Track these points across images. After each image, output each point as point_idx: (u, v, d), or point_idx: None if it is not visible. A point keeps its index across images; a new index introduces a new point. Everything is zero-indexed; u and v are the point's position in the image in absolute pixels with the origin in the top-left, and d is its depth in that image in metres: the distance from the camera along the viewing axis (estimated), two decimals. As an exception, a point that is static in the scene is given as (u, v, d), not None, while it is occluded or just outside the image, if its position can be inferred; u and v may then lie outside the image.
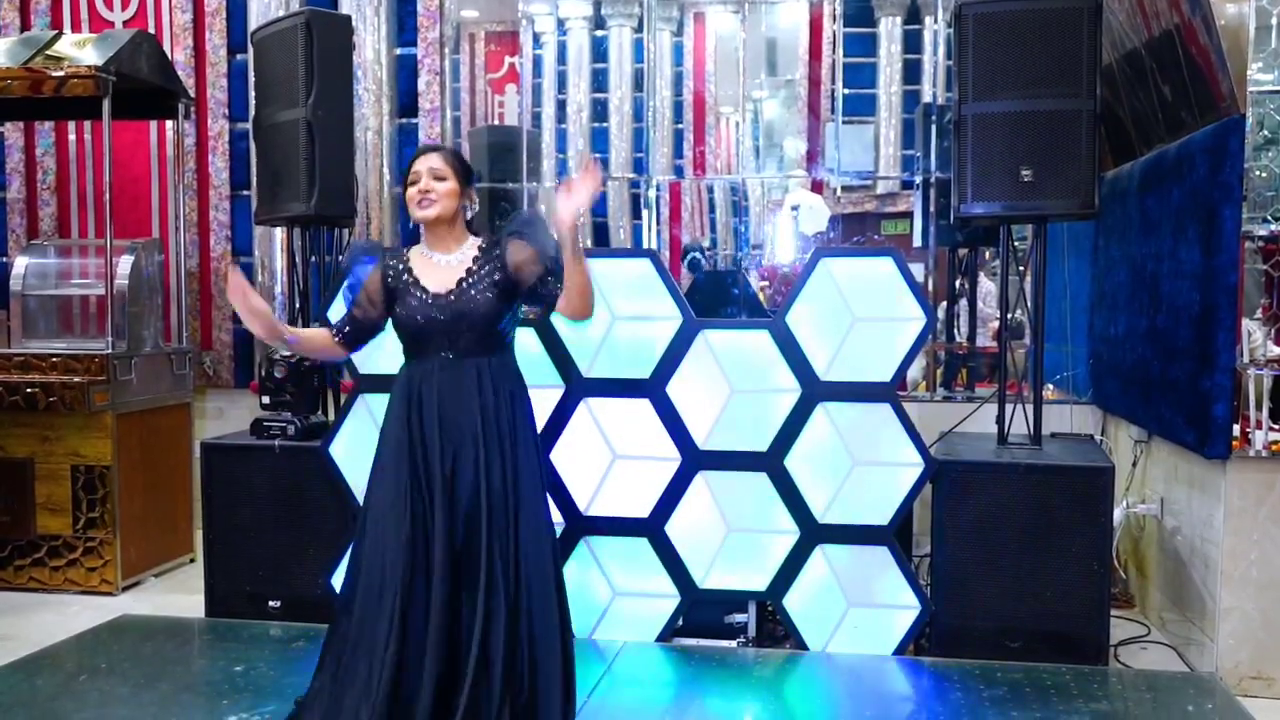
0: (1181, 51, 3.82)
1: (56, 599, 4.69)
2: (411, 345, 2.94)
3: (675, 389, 3.84)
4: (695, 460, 3.84)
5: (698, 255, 5.34)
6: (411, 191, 2.93)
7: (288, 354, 4.30)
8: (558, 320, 3.42)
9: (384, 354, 4.00)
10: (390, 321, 2.96)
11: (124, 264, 4.98)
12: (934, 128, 5.43)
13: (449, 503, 2.83)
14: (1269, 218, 3.68)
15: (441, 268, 2.92)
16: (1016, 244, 4.25)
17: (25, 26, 5.96)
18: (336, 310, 4.02)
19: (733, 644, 3.93)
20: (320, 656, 3.00)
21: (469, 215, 3.01)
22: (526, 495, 2.89)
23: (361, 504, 3.01)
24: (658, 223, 5.96)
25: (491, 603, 2.79)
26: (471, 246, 2.95)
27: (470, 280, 2.88)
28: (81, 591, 4.74)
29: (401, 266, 2.94)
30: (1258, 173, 3.70)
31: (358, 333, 3.01)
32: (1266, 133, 3.74)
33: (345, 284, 3.01)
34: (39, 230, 6.01)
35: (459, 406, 2.85)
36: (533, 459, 2.94)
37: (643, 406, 3.84)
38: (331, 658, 2.93)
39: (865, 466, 3.75)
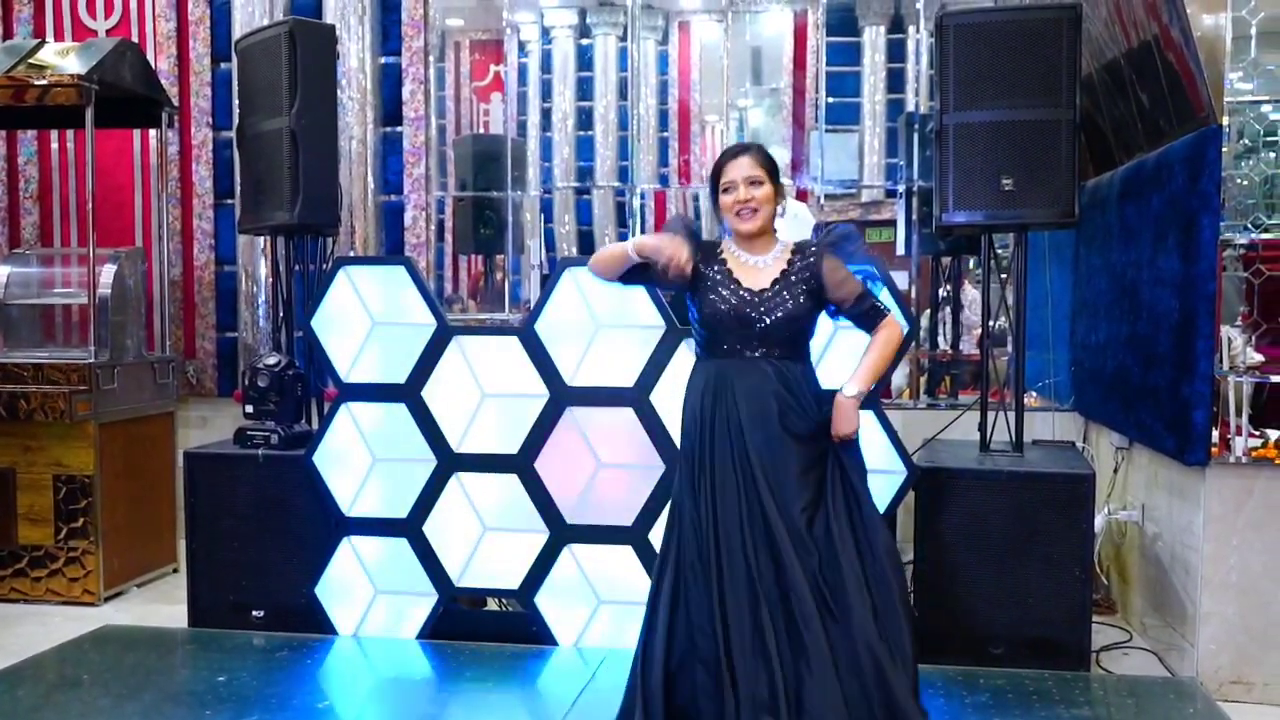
0: (1160, 61, 3.86)
1: (38, 610, 4.66)
2: (714, 340, 2.88)
3: (659, 397, 3.84)
4: (679, 468, 3.84)
5: None
6: (727, 200, 2.87)
7: (271, 363, 4.30)
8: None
9: (366, 365, 4.02)
10: (695, 314, 2.92)
11: (107, 273, 4.96)
12: (917, 136, 5.46)
13: (754, 490, 2.79)
14: (1249, 225, 3.71)
15: (755, 268, 2.87)
16: (999, 252, 4.28)
17: (8, 35, 5.95)
18: (324, 315, 4.05)
19: (717, 652, 3.93)
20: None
21: (780, 214, 2.95)
22: (860, 492, 2.86)
23: None
24: (642, 231, 5.97)
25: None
26: (784, 250, 2.91)
27: (785, 281, 2.84)
28: (63, 602, 4.71)
29: (715, 258, 2.90)
30: (1238, 180, 3.73)
31: (637, 270, 2.94)
32: (1246, 141, 3.77)
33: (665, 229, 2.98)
34: (21, 239, 5.99)
35: (764, 404, 2.81)
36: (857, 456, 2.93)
37: (627, 415, 3.85)
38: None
39: (848, 474, 3.75)
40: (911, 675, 2.75)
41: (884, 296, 2.95)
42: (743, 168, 2.87)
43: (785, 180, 6.28)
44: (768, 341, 2.83)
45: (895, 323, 2.92)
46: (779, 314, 2.82)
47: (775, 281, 2.85)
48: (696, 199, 6.71)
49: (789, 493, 2.78)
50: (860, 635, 2.69)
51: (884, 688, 2.67)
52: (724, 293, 2.85)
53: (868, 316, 2.90)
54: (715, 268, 2.89)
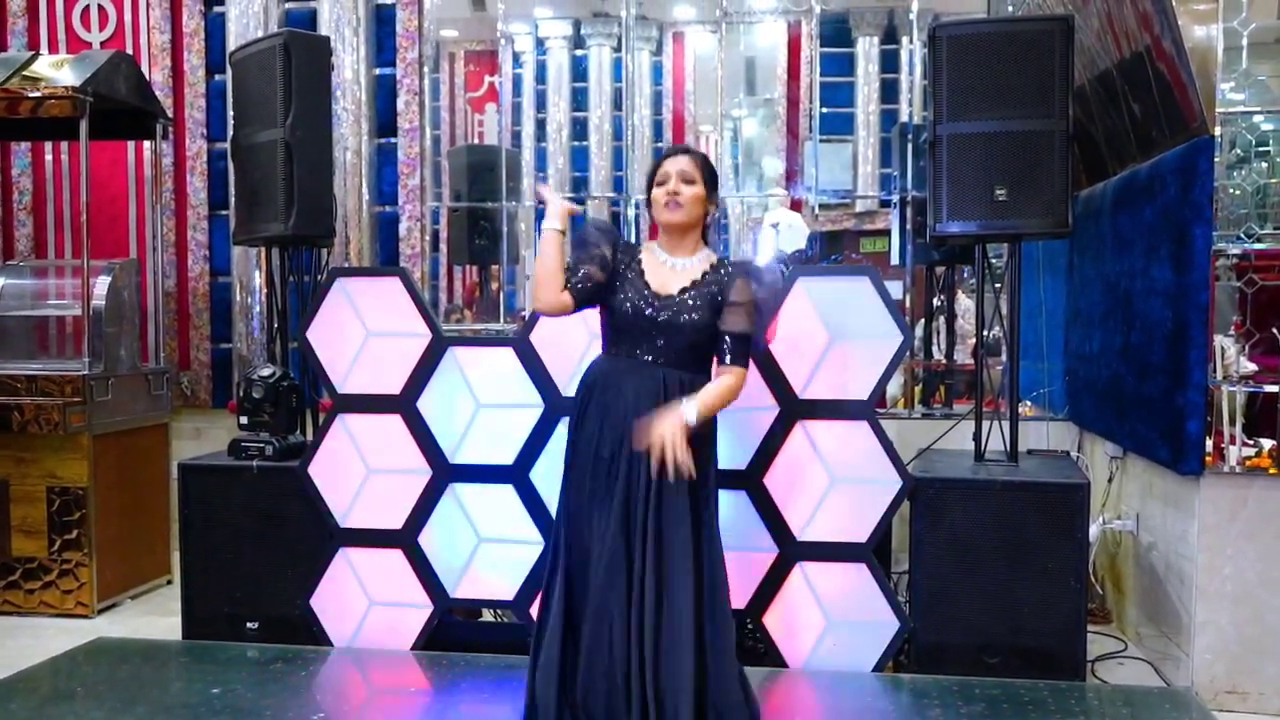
0: (1152, 72, 3.88)
1: (31, 622, 4.64)
2: (616, 338, 2.90)
3: (654, 408, 3.84)
4: (674, 479, 3.84)
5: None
6: (658, 193, 2.89)
7: (266, 374, 4.29)
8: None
9: (361, 376, 4.01)
10: (604, 311, 2.92)
11: (101, 284, 4.96)
12: (910, 147, 5.48)
13: (625, 500, 2.81)
14: (1241, 235, 3.73)
15: (669, 270, 2.89)
16: (993, 261, 4.29)
17: (2, 47, 5.95)
18: (319, 326, 4.05)
19: (713, 662, 3.93)
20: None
21: (709, 221, 2.97)
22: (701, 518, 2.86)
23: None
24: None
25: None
26: (704, 259, 2.91)
27: (694, 291, 2.85)
28: (57, 614, 4.70)
29: (632, 256, 2.92)
30: (1231, 190, 3.74)
31: (589, 292, 2.90)
32: (1238, 151, 3.79)
33: (575, 241, 2.96)
34: (15, 251, 5.98)
35: (638, 406, 2.79)
36: (711, 485, 2.92)
37: (622, 425, 3.84)
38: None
39: (843, 484, 3.77)
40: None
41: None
42: (679, 163, 2.89)
43: (780, 190, 6.33)
44: (664, 348, 2.83)
45: (740, 375, 2.84)
46: (678, 321, 2.82)
47: (684, 289, 2.85)
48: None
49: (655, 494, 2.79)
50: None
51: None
52: (630, 292, 2.86)
53: (729, 353, 2.85)
54: (633, 267, 2.90)
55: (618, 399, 2.84)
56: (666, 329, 2.83)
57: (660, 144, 6.80)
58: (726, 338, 2.85)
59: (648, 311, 2.83)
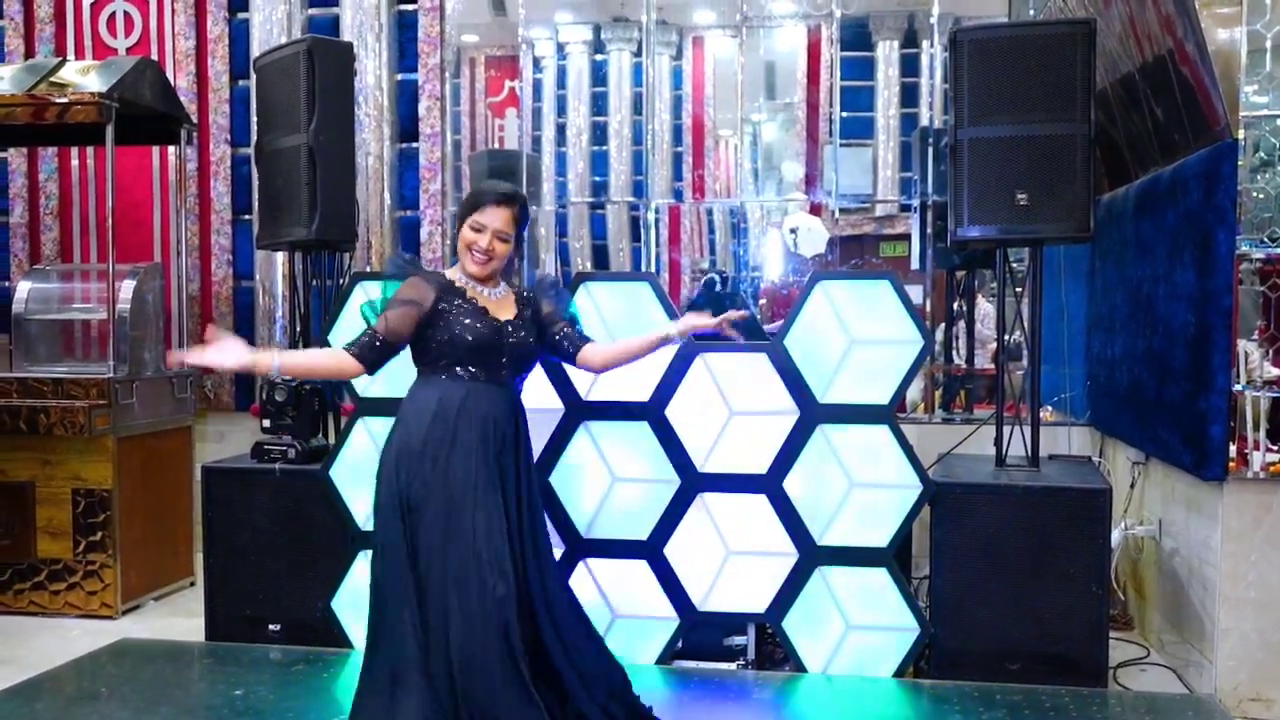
0: (1175, 75, 3.86)
1: (56, 623, 4.69)
2: (453, 364, 2.97)
3: (674, 411, 3.85)
4: (694, 482, 3.85)
5: (714, 276, 5.69)
6: (473, 237, 2.97)
7: (289, 378, 4.32)
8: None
9: (383, 379, 4.02)
10: (441, 338, 2.95)
11: (126, 288, 5.01)
12: (931, 151, 5.46)
13: (501, 498, 2.97)
14: (1265, 239, 3.70)
15: (494, 300, 3.04)
16: (1014, 266, 4.27)
17: (30, 53, 6.01)
18: (341, 330, 4.07)
19: (732, 666, 3.93)
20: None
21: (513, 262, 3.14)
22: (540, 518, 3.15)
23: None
24: (657, 245, 5.99)
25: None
26: (507, 288, 3.11)
27: (522, 318, 3.06)
28: (81, 615, 4.74)
29: (454, 290, 2.99)
30: (1254, 194, 3.71)
31: (386, 351, 2.97)
32: (1262, 154, 3.76)
33: (376, 301, 3.00)
34: (41, 255, 6.05)
35: (500, 420, 2.98)
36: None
37: (642, 429, 3.85)
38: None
39: (864, 488, 3.76)
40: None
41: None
42: (498, 220, 2.97)
43: (799, 194, 6.32)
44: (504, 368, 3.02)
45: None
46: (519, 345, 3.03)
47: (516, 315, 3.05)
48: (710, 213, 6.73)
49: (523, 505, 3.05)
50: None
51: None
52: (466, 320, 2.95)
53: (579, 335, 3.20)
54: (457, 300, 2.98)
55: (474, 417, 2.94)
56: (511, 352, 3.01)
57: (679, 148, 6.80)
58: (566, 327, 3.18)
59: (494, 339, 2.98)
